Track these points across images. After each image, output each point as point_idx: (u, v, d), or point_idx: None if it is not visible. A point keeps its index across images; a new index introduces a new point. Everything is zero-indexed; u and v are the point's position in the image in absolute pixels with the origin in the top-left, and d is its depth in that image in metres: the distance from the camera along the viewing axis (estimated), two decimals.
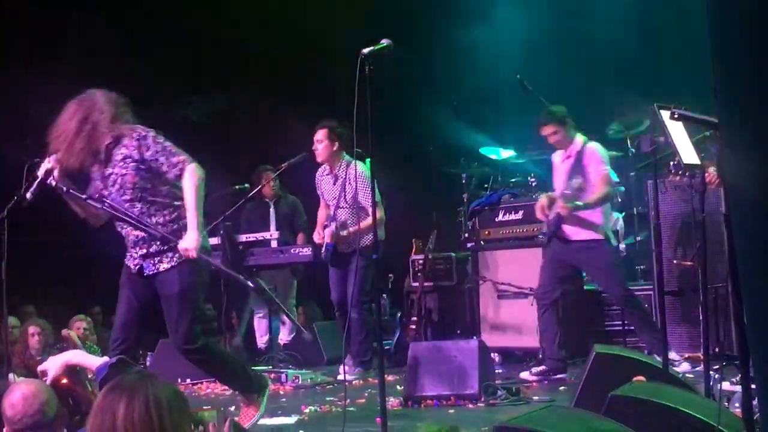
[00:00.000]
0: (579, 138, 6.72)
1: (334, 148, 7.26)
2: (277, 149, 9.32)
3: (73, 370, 3.59)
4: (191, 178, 4.81)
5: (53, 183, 4.80)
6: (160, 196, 4.90)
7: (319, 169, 7.51)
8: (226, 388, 7.03)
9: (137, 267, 4.94)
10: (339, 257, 7.32)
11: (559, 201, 6.52)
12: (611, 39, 9.04)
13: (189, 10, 10.56)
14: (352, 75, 4.16)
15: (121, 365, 3.50)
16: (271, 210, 9.02)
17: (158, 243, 4.86)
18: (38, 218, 9.11)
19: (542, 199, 6.67)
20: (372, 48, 4.25)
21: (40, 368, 3.69)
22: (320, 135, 7.28)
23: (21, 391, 3.20)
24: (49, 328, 7.63)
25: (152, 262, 4.90)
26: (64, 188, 4.82)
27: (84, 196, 4.87)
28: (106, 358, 3.62)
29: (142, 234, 4.87)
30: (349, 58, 4.38)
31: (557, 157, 6.88)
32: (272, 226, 8.80)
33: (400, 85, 9.10)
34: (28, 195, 4.76)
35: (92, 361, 3.55)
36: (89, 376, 3.73)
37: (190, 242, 4.76)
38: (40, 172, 4.79)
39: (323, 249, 7.35)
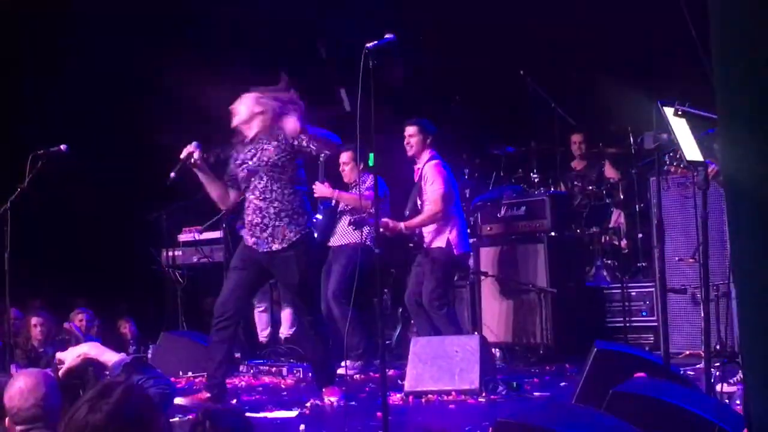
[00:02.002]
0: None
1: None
2: None
3: (89, 363, 3.59)
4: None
5: (194, 165, 5.49)
6: (290, 179, 5.56)
7: None
8: (227, 381, 7.08)
9: (255, 243, 5.60)
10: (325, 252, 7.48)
11: None
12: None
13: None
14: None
15: (136, 365, 3.50)
16: None
17: (275, 217, 5.51)
18: (43, 210, 9.20)
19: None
20: (376, 43, 4.25)
21: (58, 356, 3.70)
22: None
23: (20, 384, 3.20)
24: (52, 320, 7.65)
25: (265, 239, 5.55)
26: (205, 169, 5.56)
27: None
28: (123, 355, 3.62)
29: (264, 204, 5.51)
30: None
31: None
32: None
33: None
34: (172, 175, 5.40)
35: (109, 356, 3.56)
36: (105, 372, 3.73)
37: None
38: (182, 155, 5.45)
39: None
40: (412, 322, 8.21)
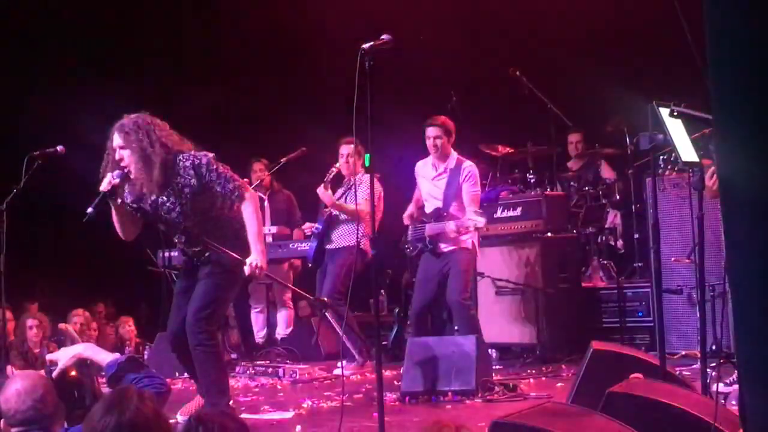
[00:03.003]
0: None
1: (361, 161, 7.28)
2: (271, 143, 9.32)
3: (83, 364, 3.59)
4: (250, 201, 5.01)
5: (118, 201, 4.95)
6: (218, 216, 5.07)
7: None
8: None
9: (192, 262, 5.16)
10: (322, 256, 7.45)
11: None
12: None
13: (187, 3, 10.58)
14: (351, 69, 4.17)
15: (130, 364, 3.50)
16: (266, 204, 8.98)
17: (211, 252, 5.01)
18: (39, 210, 9.19)
19: (411, 209, 6.98)
20: (372, 43, 4.25)
21: (49, 357, 3.70)
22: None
23: (16, 386, 3.19)
24: (47, 321, 7.65)
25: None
26: (135, 206, 5.03)
27: (144, 212, 5.07)
28: (117, 355, 3.62)
29: (198, 248, 5.05)
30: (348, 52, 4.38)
31: (427, 166, 6.98)
32: (267, 221, 8.78)
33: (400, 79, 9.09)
34: (90, 210, 4.84)
35: (103, 356, 3.55)
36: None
37: (256, 259, 4.91)
38: (104, 187, 4.88)
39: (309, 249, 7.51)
40: (409, 323, 8.23)
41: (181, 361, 5.29)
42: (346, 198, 7.42)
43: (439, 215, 6.81)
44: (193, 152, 4.99)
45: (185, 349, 5.07)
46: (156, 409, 2.54)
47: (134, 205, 5.07)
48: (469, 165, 6.86)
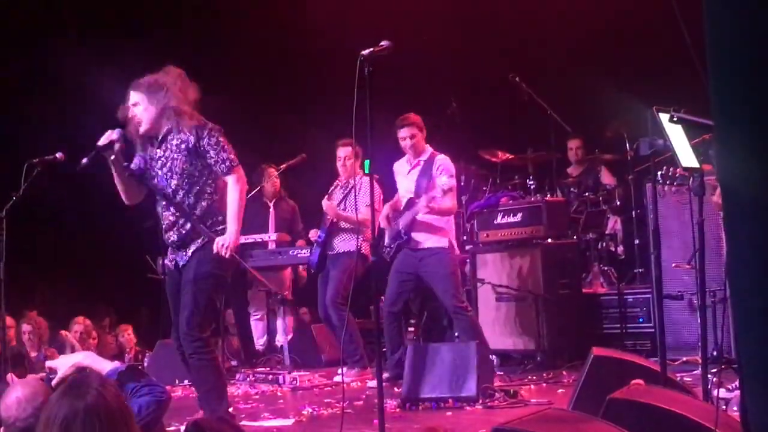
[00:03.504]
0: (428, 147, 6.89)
1: (359, 162, 7.30)
2: (274, 150, 9.33)
3: (82, 372, 3.57)
4: (238, 179, 4.96)
5: (112, 156, 4.90)
6: (205, 187, 5.00)
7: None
8: None
9: (173, 263, 5.06)
10: (323, 261, 7.45)
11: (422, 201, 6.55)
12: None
13: (188, 6, 10.59)
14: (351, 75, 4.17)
15: (130, 373, 3.48)
16: (271, 211, 8.98)
17: (190, 229, 4.95)
18: (39, 217, 9.19)
19: (386, 210, 6.87)
20: (372, 50, 4.26)
21: (48, 364, 3.69)
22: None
23: (16, 393, 3.19)
24: (44, 327, 7.64)
25: (184, 252, 5.00)
26: (124, 163, 4.98)
27: (135, 173, 5.03)
28: (117, 364, 3.61)
29: (179, 218, 4.98)
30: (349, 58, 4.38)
31: (403, 164, 7.00)
32: (271, 228, 8.78)
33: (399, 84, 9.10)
34: (84, 160, 4.87)
35: (103, 365, 3.54)
36: None
37: (228, 239, 4.87)
38: (101, 142, 4.89)
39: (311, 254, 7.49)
40: (411, 329, 8.22)
41: (185, 366, 5.27)
42: (346, 202, 7.42)
43: (411, 204, 6.81)
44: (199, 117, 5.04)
45: None
46: (119, 396, 2.49)
47: (129, 166, 5.04)
48: (442, 158, 6.86)
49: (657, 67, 8.72)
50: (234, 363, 8.35)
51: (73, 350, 7.77)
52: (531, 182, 8.45)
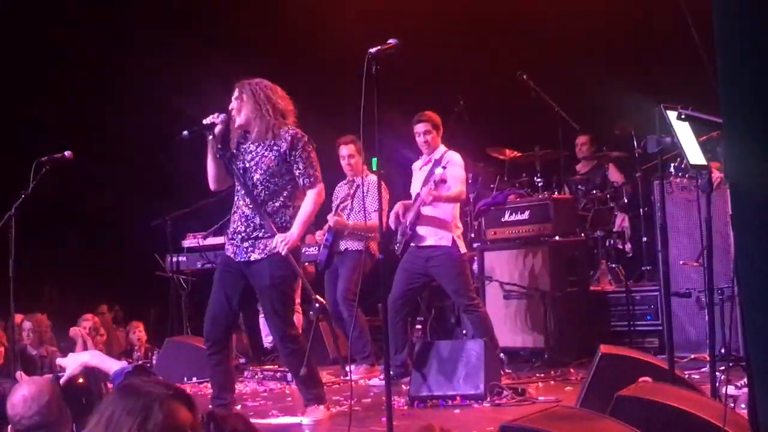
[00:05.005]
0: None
1: (363, 159, 7.29)
2: None
3: (90, 372, 3.59)
4: (317, 194, 5.27)
5: (210, 137, 5.19)
6: (282, 190, 5.25)
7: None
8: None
9: (233, 253, 5.28)
10: (331, 260, 7.44)
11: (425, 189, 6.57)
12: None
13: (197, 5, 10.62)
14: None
15: (137, 372, 3.49)
16: None
17: (258, 227, 5.19)
18: (49, 215, 9.22)
19: (397, 207, 6.86)
20: (379, 47, 4.27)
21: (59, 361, 3.70)
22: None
23: (23, 392, 3.20)
24: (45, 325, 7.65)
25: (245, 248, 5.22)
26: (219, 145, 5.24)
27: (225, 158, 5.28)
28: (124, 363, 3.62)
29: (251, 213, 5.21)
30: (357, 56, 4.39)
31: (419, 162, 6.99)
32: None
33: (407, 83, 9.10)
34: (185, 133, 5.18)
35: (110, 364, 3.55)
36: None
37: (288, 237, 5.12)
38: (207, 120, 5.20)
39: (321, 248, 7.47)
40: (419, 327, 8.23)
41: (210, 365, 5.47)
42: (353, 202, 7.40)
43: (417, 199, 6.78)
44: (297, 128, 5.32)
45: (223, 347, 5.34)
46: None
47: (223, 150, 5.28)
48: (452, 153, 6.85)
49: (665, 65, 8.71)
50: (242, 360, 8.37)
51: (85, 346, 7.79)
52: (539, 180, 8.45)
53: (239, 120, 5.26)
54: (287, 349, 5.31)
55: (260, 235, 5.19)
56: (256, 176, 5.22)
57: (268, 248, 5.17)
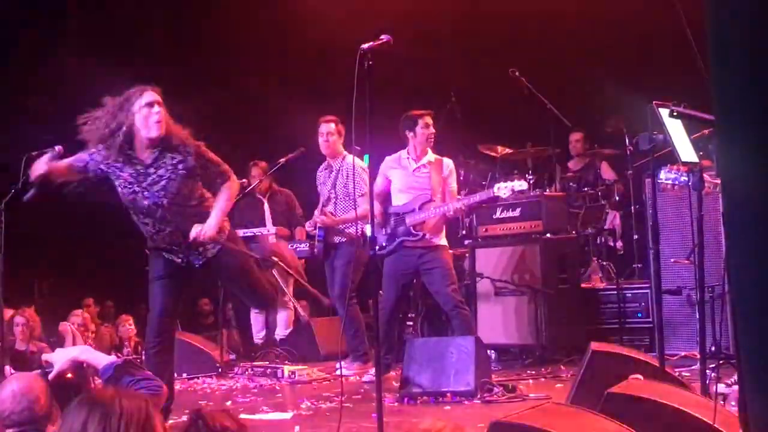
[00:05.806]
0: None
1: (342, 141, 7.30)
2: (270, 144, 9.32)
3: (79, 366, 3.58)
4: (230, 187, 5.10)
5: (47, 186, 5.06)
6: (190, 203, 5.05)
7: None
8: (222, 383, 7.08)
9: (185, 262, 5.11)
10: (327, 251, 7.39)
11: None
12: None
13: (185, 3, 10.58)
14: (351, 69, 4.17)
15: (126, 366, 3.48)
16: (266, 205, 8.95)
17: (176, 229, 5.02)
18: (38, 210, 9.18)
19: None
20: (372, 43, 4.26)
21: (45, 357, 3.69)
22: (331, 128, 7.22)
23: (12, 387, 3.20)
24: (36, 321, 7.63)
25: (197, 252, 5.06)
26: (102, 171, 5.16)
27: (90, 177, 5.27)
28: (113, 358, 3.61)
29: (168, 223, 5.03)
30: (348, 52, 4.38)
31: (402, 159, 6.89)
32: (268, 222, 8.76)
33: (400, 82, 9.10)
34: (27, 196, 5.11)
35: (99, 359, 3.54)
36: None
37: (206, 227, 4.92)
38: (33, 178, 5.06)
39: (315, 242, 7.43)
40: (410, 323, 8.23)
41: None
42: (335, 185, 7.34)
43: (423, 203, 6.73)
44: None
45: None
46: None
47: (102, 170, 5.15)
48: (450, 162, 6.91)
49: (657, 62, 8.72)
50: (233, 356, 8.36)
51: (74, 341, 7.77)
52: (530, 177, 8.45)
53: (161, 131, 4.94)
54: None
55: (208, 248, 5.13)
56: (166, 201, 5.04)
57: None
